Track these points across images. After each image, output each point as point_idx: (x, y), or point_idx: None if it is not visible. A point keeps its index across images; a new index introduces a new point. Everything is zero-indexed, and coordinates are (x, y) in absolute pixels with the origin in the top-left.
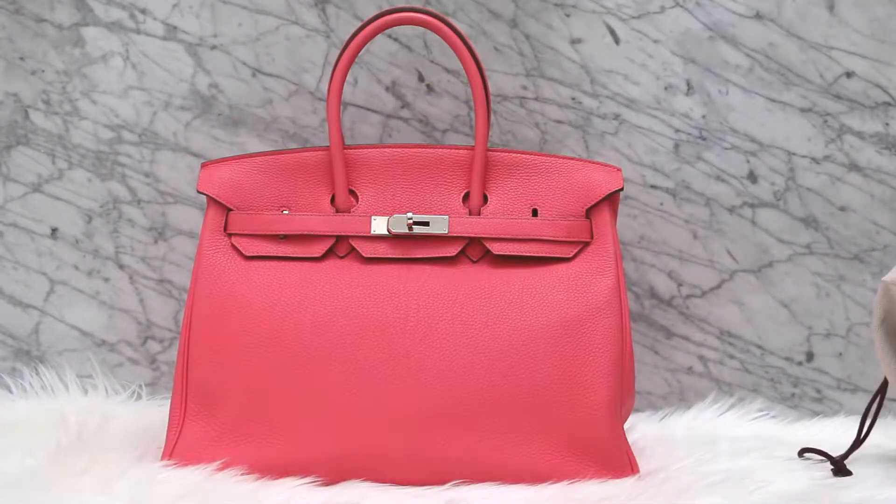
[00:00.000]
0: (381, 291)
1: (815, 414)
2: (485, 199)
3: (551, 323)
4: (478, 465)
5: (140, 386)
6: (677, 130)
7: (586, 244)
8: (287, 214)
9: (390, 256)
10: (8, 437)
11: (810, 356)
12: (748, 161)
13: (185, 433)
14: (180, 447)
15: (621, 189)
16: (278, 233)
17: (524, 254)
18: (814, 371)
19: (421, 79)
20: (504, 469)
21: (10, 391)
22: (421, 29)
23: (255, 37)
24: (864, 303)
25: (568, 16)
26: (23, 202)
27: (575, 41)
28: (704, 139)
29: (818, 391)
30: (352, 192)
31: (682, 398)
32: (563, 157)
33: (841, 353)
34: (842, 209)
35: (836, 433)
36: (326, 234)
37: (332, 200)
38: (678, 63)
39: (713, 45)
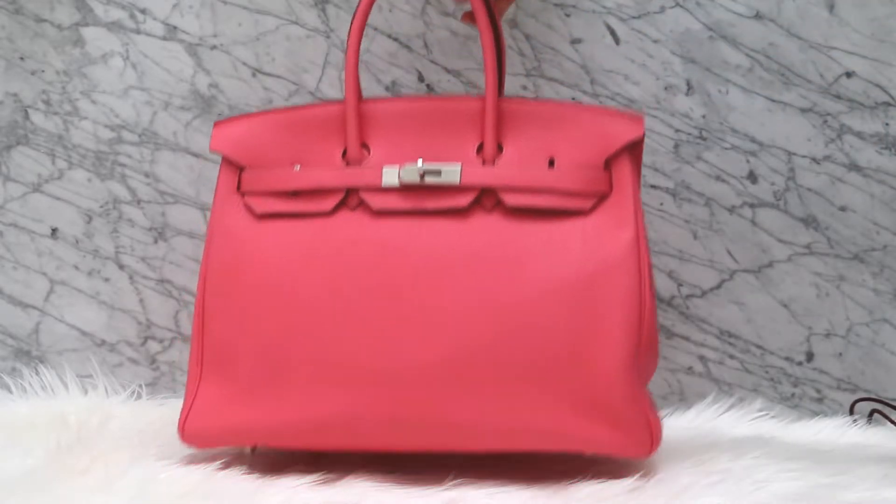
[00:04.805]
0: (390, 247)
1: (815, 414)
2: (500, 150)
3: (566, 278)
4: (487, 427)
5: (140, 386)
6: (677, 130)
7: (605, 196)
8: (298, 170)
9: (401, 209)
10: (8, 436)
11: (810, 356)
12: (748, 161)
13: (199, 395)
14: (195, 410)
15: (643, 138)
16: (289, 189)
17: (539, 206)
18: (814, 371)
19: (421, 79)
20: (513, 433)
21: (10, 391)
22: (421, 29)
23: (255, 37)
24: (865, 303)
25: (568, 16)
26: (23, 202)
27: (575, 41)
28: (704, 139)
29: (818, 391)
30: (365, 147)
31: (682, 398)
32: (583, 106)
33: (841, 354)
34: (842, 209)
35: (836, 433)
36: (336, 187)
37: (345, 154)
38: (678, 63)
39: (713, 45)
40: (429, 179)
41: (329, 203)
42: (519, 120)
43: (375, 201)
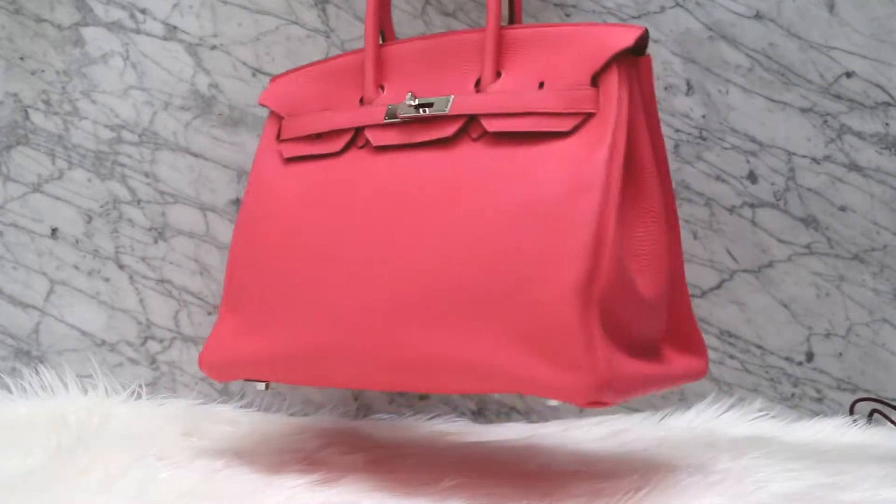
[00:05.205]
0: (382, 183)
1: (815, 414)
2: (500, 78)
3: (531, 204)
4: (438, 365)
5: (140, 386)
6: (677, 130)
7: (590, 116)
8: (318, 113)
9: (395, 143)
10: (8, 436)
11: (810, 356)
12: (748, 161)
13: (216, 329)
14: (211, 342)
15: (634, 47)
16: (311, 132)
17: (518, 129)
18: (814, 371)
19: None
20: (461, 371)
21: (10, 391)
22: (421, 28)
23: (255, 37)
24: (864, 303)
25: (568, 16)
26: (23, 202)
27: None
28: (704, 139)
29: (818, 391)
30: (381, 89)
31: (682, 398)
32: (583, 24)
33: (841, 354)
34: (842, 209)
35: (836, 433)
36: (347, 127)
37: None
38: (678, 63)
39: (713, 45)
40: (423, 112)
41: (340, 143)
42: (522, 46)
43: (375, 137)
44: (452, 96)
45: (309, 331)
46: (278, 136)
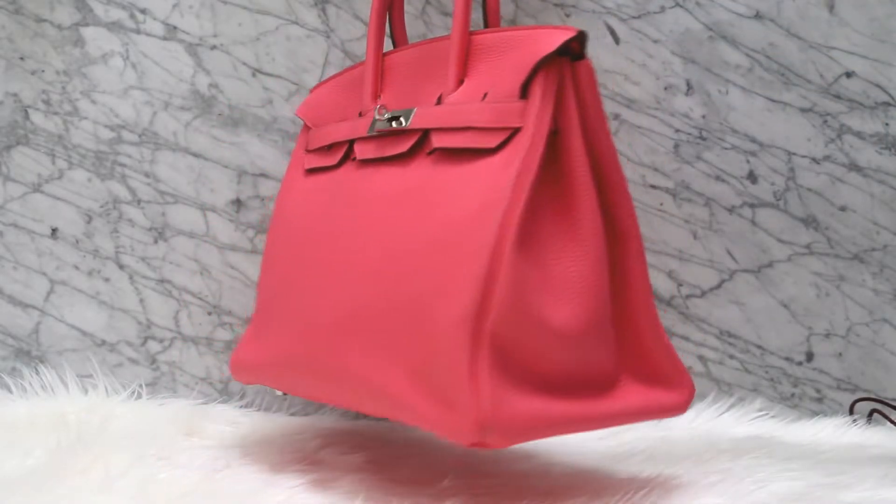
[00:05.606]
0: (353, 198)
1: (815, 414)
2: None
3: (444, 228)
4: (360, 387)
5: (140, 386)
6: (677, 130)
7: (517, 131)
8: (332, 125)
9: (372, 157)
10: (8, 436)
11: (810, 356)
12: (748, 161)
13: (244, 334)
14: (237, 347)
15: (561, 52)
16: (323, 144)
17: (456, 146)
18: (813, 371)
19: None
20: (372, 394)
21: (10, 391)
22: (422, 29)
23: (255, 37)
24: (864, 303)
25: (568, 16)
26: (23, 202)
27: None
28: (704, 139)
29: (818, 391)
30: (379, 98)
31: None
32: (529, 28)
33: (841, 354)
34: (842, 209)
35: (835, 433)
36: (343, 139)
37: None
38: (678, 63)
39: (713, 45)
40: (393, 125)
41: (339, 155)
42: (485, 52)
43: (359, 151)
44: (415, 109)
45: (285, 339)
46: (307, 146)
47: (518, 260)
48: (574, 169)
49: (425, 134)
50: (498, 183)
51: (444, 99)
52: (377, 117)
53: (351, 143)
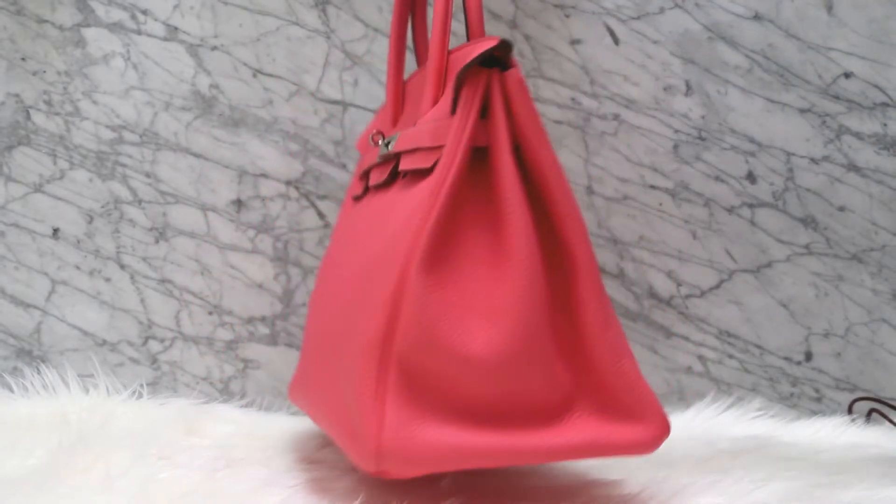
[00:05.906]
0: (352, 225)
1: (814, 413)
2: None
3: (378, 252)
4: (319, 412)
5: (141, 385)
6: (676, 131)
7: (442, 148)
8: (368, 152)
9: (374, 184)
10: (9, 436)
11: (809, 356)
12: (747, 161)
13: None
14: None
15: (482, 62)
16: (359, 172)
17: (410, 167)
18: (812, 371)
19: None
20: (326, 420)
21: (12, 390)
22: None
23: (256, 37)
24: (863, 303)
25: (567, 17)
26: (24, 202)
27: (574, 42)
28: (703, 139)
29: (817, 391)
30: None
31: (681, 398)
32: (471, 43)
33: (839, 353)
34: (840, 209)
35: (834, 433)
36: (367, 167)
37: None
38: (677, 64)
39: (712, 46)
40: (387, 150)
41: (364, 183)
42: (453, 68)
43: (371, 178)
44: (398, 133)
45: (301, 364)
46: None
47: (428, 282)
48: (503, 187)
49: (398, 158)
50: (420, 203)
51: (419, 121)
52: (371, 143)
53: (367, 171)
